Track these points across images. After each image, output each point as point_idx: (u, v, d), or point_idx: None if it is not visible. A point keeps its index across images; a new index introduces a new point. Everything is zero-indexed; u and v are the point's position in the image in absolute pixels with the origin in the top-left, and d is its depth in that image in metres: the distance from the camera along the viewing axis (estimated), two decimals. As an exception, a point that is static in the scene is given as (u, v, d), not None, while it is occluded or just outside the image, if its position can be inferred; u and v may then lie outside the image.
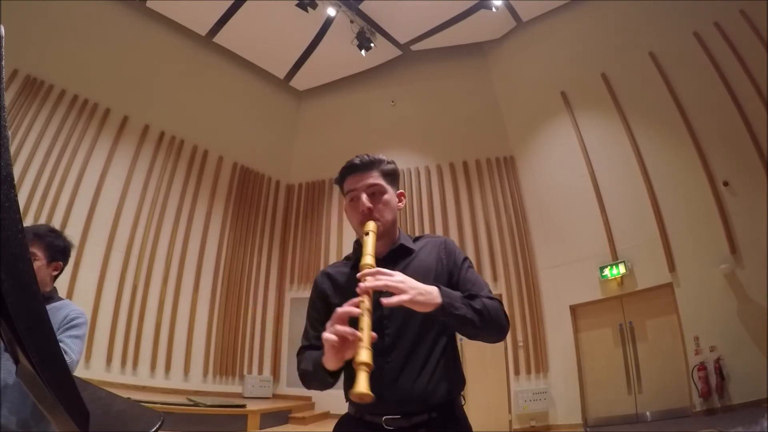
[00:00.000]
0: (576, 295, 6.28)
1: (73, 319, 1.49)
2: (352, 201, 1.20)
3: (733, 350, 4.83)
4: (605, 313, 6.05)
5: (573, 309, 6.30)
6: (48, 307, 1.46)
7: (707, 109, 5.57)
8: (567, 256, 6.45)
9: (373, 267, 1.00)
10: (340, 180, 1.24)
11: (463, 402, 1.20)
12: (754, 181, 5.04)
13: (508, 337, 6.56)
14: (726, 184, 5.26)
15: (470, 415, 1.17)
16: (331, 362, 0.96)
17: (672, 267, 5.46)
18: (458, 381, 1.17)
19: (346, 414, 1.19)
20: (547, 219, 6.86)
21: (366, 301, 0.93)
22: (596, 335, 6.10)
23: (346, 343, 0.92)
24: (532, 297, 6.64)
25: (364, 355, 0.86)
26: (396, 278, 0.97)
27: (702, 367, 4.95)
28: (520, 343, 6.48)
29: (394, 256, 1.21)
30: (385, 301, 0.94)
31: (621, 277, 5.80)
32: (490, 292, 1.16)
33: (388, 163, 1.24)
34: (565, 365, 6.14)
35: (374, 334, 0.91)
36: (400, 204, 1.25)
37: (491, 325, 1.07)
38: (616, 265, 5.84)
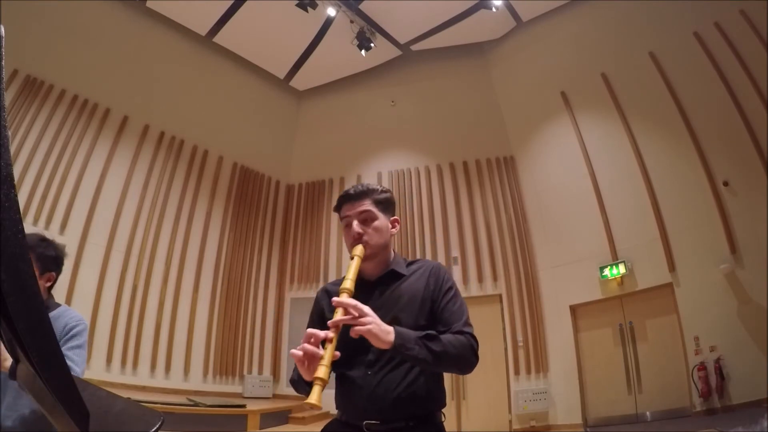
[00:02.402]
0: (576, 295, 6.28)
1: (72, 328, 1.48)
2: (347, 227, 1.31)
3: (733, 350, 4.84)
4: (605, 313, 6.05)
5: (573, 309, 6.30)
6: None
7: (707, 109, 5.57)
8: (567, 256, 6.45)
9: (351, 291, 1.12)
10: (337, 208, 1.35)
11: (443, 418, 1.27)
12: (754, 181, 5.05)
13: (508, 337, 6.58)
14: (726, 184, 5.26)
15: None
16: (304, 374, 1.07)
17: (672, 267, 5.46)
18: (437, 398, 1.25)
19: (334, 418, 1.29)
20: (547, 219, 6.86)
21: (332, 332, 1.06)
22: (596, 335, 6.10)
23: (314, 361, 1.03)
24: (532, 297, 6.64)
25: (321, 371, 0.99)
26: (365, 315, 1.08)
27: (702, 367, 4.95)
28: (520, 343, 6.48)
29: (385, 279, 1.30)
30: (352, 331, 1.07)
31: (621, 277, 5.81)
32: (467, 322, 1.23)
33: (382, 192, 1.34)
34: (565, 365, 6.14)
35: (337, 353, 1.05)
36: (393, 230, 1.35)
37: (450, 364, 1.16)
38: (616, 265, 5.84)
